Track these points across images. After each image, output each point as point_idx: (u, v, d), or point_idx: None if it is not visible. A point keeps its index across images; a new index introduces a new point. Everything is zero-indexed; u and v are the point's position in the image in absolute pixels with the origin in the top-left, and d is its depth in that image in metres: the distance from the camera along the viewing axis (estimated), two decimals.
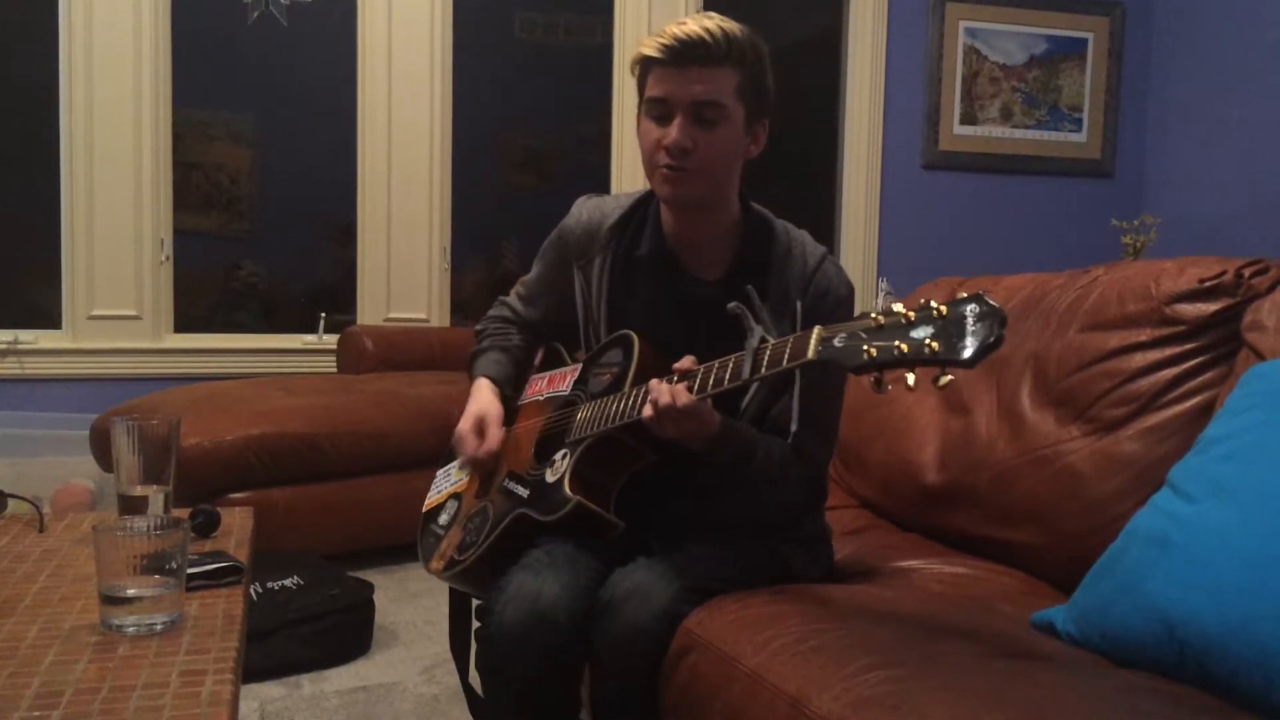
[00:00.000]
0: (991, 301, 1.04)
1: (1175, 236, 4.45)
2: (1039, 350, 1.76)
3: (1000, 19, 4.88)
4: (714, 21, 1.47)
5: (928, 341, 1.05)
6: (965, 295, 1.06)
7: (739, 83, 1.48)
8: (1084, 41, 4.98)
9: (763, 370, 1.26)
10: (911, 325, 1.08)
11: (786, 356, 1.22)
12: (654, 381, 1.37)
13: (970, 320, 1.04)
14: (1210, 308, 1.55)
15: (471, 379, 1.76)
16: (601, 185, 4.50)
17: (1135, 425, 1.58)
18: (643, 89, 1.52)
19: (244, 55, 4.32)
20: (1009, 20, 4.89)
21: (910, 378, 1.07)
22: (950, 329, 1.05)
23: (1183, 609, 1.15)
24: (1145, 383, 1.58)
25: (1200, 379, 1.55)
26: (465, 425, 1.65)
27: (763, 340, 1.29)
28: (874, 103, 4.79)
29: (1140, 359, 1.60)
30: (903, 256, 4.79)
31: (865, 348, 1.10)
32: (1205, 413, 1.49)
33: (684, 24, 1.47)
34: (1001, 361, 1.84)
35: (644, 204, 1.65)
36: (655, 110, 1.49)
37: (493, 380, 1.72)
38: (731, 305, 1.34)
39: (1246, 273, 1.55)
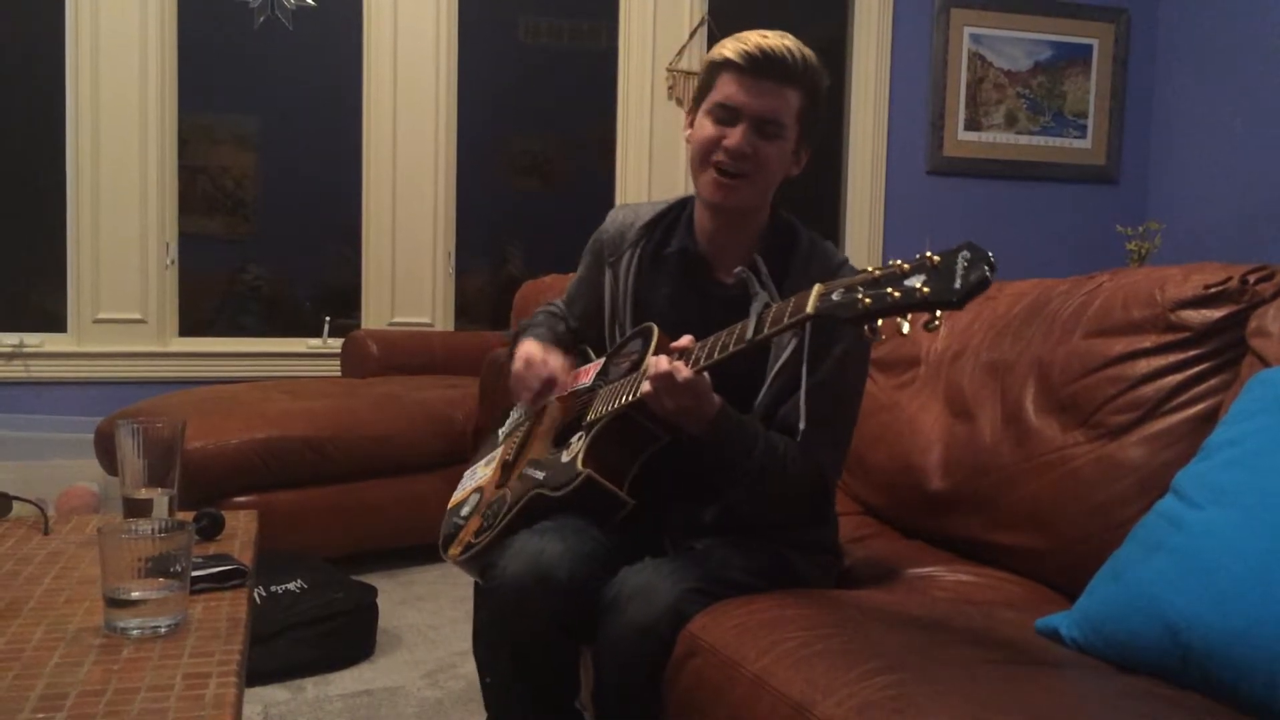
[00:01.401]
0: (981, 248, 1.08)
1: (1180, 242, 4.45)
2: (1043, 356, 1.76)
3: (1005, 25, 4.88)
4: (793, 42, 1.52)
5: (919, 287, 1.09)
6: (960, 245, 1.10)
7: (801, 106, 1.54)
8: (1089, 47, 4.98)
9: (766, 329, 1.29)
10: (906, 275, 1.12)
11: (788, 314, 1.26)
12: (652, 357, 1.41)
13: (961, 265, 1.07)
14: (1215, 314, 1.55)
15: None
16: (605, 190, 4.51)
17: (1140, 431, 1.57)
18: (707, 87, 1.56)
19: (249, 59, 4.33)
20: (1014, 26, 4.89)
21: (904, 326, 1.11)
22: (942, 274, 1.08)
23: (1187, 614, 1.15)
24: (1150, 389, 1.58)
25: (1205, 385, 1.55)
26: (531, 355, 1.65)
27: (766, 305, 1.33)
28: (879, 108, 4.79)
29: (1145, 365, 1.60)
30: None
31: (860, 298, 1.14)
32: (1210, 419, 1.48)
33: (765, 36, 1.52)
34: (1005, 367, 1.84)
35: (679, 207, 1.70)
36: (720, 114, 1.53)
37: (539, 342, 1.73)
38: (738, 270, 1.40)
39: (1251, 279, 1.55)
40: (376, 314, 4.32)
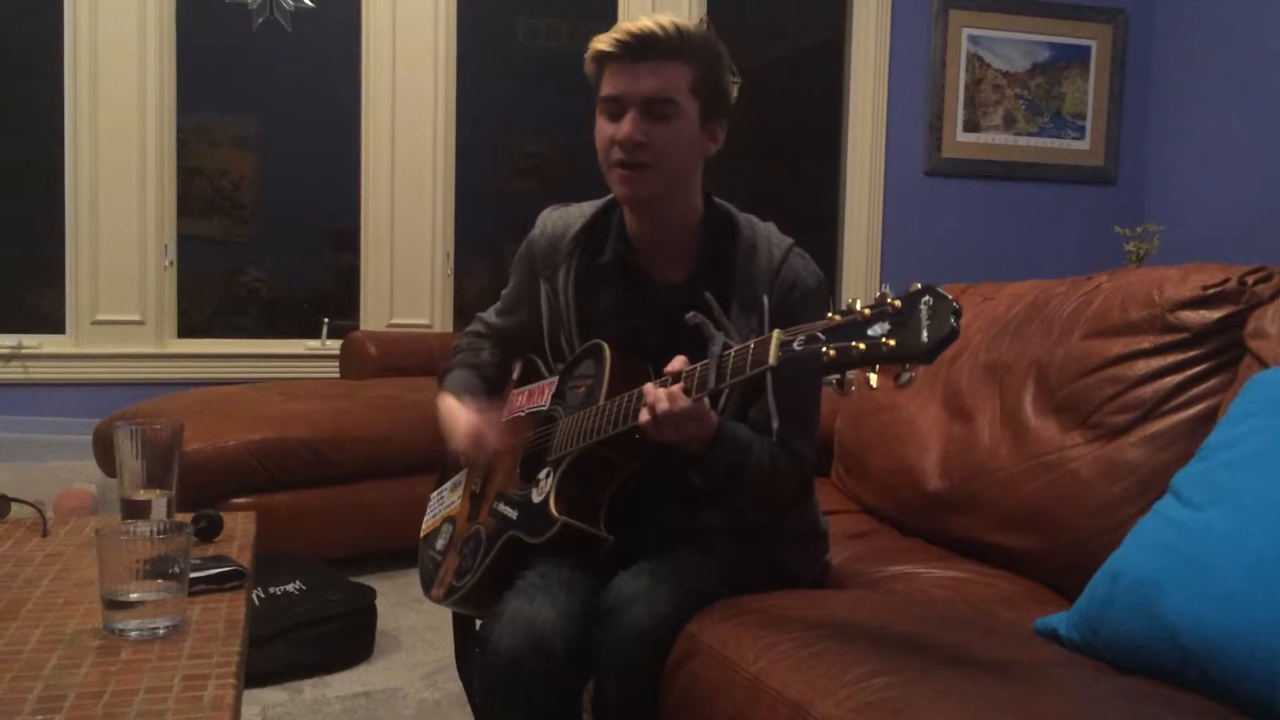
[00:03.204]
0: (944, 292, 1.02)
1: (1178, 243, 4.46)
2: (1042, 357, 1.76)
3: (1003, 26, 4.88)
4: (667, 18, 1.47)
5: (884, 339, 1.04)
6: (919, 287, 1.04)
7: (693, 79, 1.47)
8: (1087, 49, 4.99)
9: (728, 379, 1.25)
10: (868, 322, 1.06)
11: (749, 363, 1.21)
12: (648, 386, 1.34)
13: (924, 314, 1.02)
14: (1213, 315, 1.55)
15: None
16: (603, 191, 4.50)
17: (1138, 432, 1.58)
18: (598, 89, 1.52)
19: (248, 61, 4.33)
20: (1012, 27, 4.89)
21: (873, 378, 1.06)
22: (906, 324, 1.03)
23: (1185, 615, 1.15)
24: (1148, 389, 1.58)
25: (1203, 386, 1.55)
26: (465, 443, 1.62)
27: (725, 346, 1.27)
28: (877, 109, 4.79)
29: (1143, 366, 1.60)
30: (905, 264, 4.79)
31: (824, 349, 1.09)
32: (1208, 420, 1.49)
33: (638, 21, 1.47)
34: (1004, 368, 1.84)
35: (607, 211, 1.64)
36: (609, 108, 1.49)
37: (456, 398, 1.69)
38: (689, 315, 1.32)
39: (1250, 280, 1.55)
40: (375, 315, 4.32)
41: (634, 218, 1.57)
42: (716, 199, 1.60)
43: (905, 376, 1.05)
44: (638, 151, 1.46)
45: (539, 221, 1.70)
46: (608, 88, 1.48)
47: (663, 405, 1.31)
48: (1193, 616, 1.14)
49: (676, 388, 1.31)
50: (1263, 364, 1.45)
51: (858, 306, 1.08)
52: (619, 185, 1.51)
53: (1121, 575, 1.27)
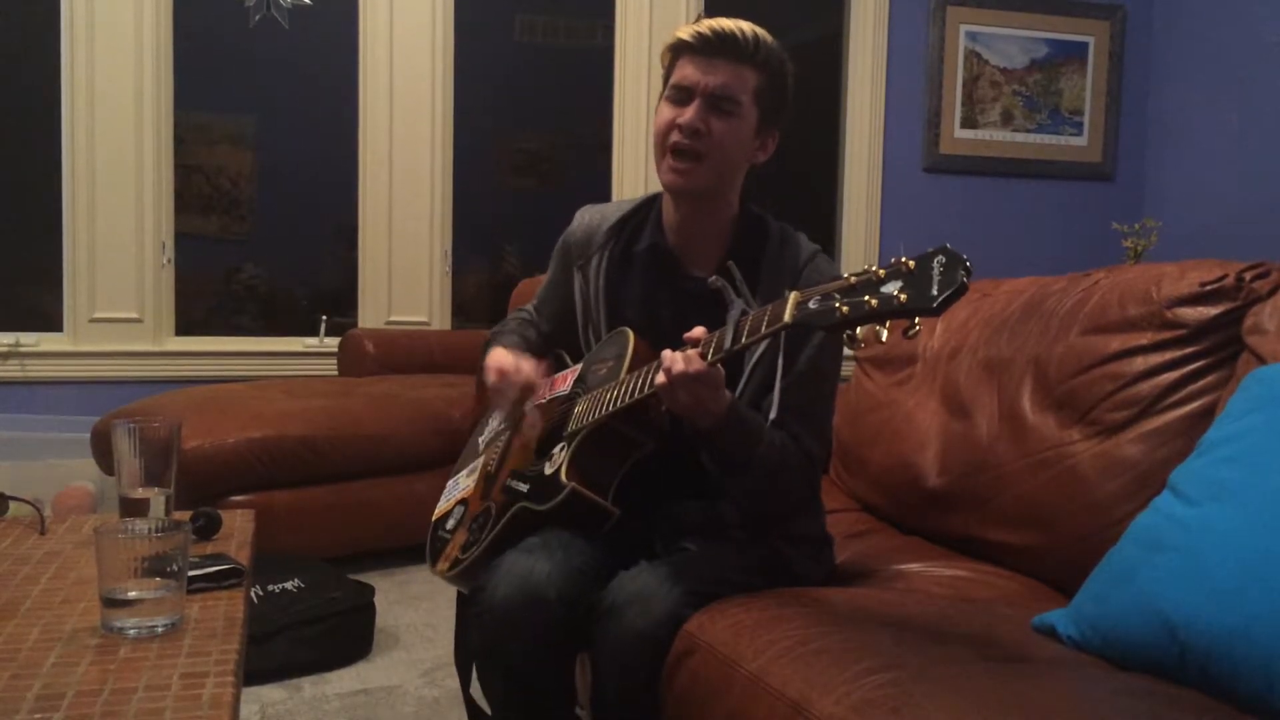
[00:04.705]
0: (957, 252, 1.07)
1: (1176, 240, 4.45)
2: (1040, 353, 1.76)
3: (1001, 22, 4.88)
4: (749, 25, 1.54)
5: (896, 294, 1.08)
6: (934, 249, 1.09)
7: (758, 85, 1.54)
8: (1085, 45, 4.99)
9: (743, 339, 1.28)
10: (882, 281, 1.11)
11: (765, 322, 1.25)
12: (666, 351, 1.37)
13: (936, 270, 1.06)
14: (1211, 311, 1.55)
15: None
16: (602, 188, 4.51)
17: (1136, 428, 1.58)
18: (668, 77, 1.58)
19: (246, 58, 4.33)
20: (1010, 24, 4.89)
21: (884, 334, 1.11)
22: (918, 280, 1.08)
23: (1184, 611, 1.15)
24: (1146, 386, 1.58)
25: (1201, 382, 1.55)
26: (503, 363, 1.62)
27: (744, 312, 1.32)
28: (875, 106, 4.79)
29: (1141, 362, 1.60)
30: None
31: (838, 306, 1.13)
32: (1206, 416, 1.49)
33: (720, 20, 1.54)
34: (1002, 364, 1.84)
35: (647, 205, 1.69)
36: (676, 95, 1.55)
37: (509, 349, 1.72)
38: (712, 279, 1.39)
39: (1247, 276, 1.55)
40: (373, 313, 4.32)
41: (674, 209, 1.63)
42: (752, 206, 1.65)
43: (914, 331, 1.09)
44: (695, 139, 1.52)
45: (575, 217, 1.76)
46: (679, 76, 1.55)
47: (678, 366, 1.34)
48: (1191, 613, 1.14)
49: (693, 351, 1.35)
50: (1260, 360, 1.45)
51: (872, 268, 1.13)
52: (669, 174, 1.56)
53: (1120, 572, 1.27)
